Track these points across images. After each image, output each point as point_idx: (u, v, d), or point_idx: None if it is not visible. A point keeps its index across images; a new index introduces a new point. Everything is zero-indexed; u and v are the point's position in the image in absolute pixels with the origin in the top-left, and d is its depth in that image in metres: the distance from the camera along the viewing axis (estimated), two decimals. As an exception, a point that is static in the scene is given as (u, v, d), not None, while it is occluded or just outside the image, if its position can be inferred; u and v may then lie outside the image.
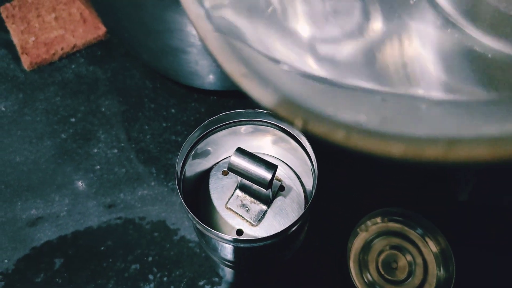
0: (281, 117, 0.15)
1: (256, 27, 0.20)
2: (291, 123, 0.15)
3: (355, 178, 0.43)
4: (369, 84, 0.19)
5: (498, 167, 0.12)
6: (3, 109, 0.47)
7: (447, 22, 0.21)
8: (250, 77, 0.16)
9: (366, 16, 0.22)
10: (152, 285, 0.38)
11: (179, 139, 0.45)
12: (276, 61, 0.18)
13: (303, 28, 0.21)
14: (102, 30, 0.50)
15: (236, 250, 0.29)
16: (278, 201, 0.31)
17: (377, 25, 0.21)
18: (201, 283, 0.38)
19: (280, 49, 0.19)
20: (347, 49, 0.21)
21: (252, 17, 0.20)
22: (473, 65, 0.20)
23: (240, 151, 0.28)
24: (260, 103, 0.16)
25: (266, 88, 0.16)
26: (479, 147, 0.12)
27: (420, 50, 0.21)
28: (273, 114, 0.16)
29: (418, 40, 0.21)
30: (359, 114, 0.15)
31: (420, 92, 0.19)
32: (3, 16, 0.52)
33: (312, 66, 0.19)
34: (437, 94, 0.19)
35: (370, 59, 0.21)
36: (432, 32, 0.21)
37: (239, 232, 0.30)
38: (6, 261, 0.39)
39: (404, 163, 0.13)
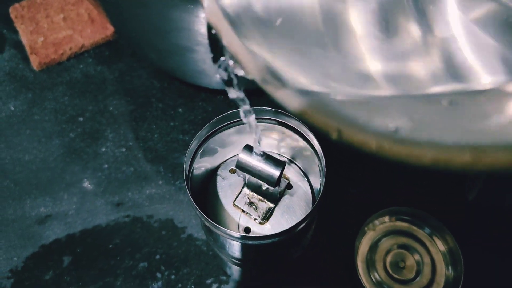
0: (317, 127, 0.16)
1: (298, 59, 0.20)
2: (326, 133, 0.15)
3: (363, 176, 0.43)
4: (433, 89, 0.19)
5: None
6: (12, 108, 0.47)
7: None
8: (288, 90, 0.16)
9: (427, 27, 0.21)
10: (160, 283, 0.38)
11: (186, 138, 0.45)
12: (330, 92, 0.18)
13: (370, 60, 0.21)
14: (110, 30, 0.51)
15: (244, 248, 0.29)
16: (286, 199, 0.31)
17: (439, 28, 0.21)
18: (208, 281, 0.38)
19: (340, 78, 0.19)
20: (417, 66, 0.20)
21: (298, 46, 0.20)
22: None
23: (248, 148, 0.28)
24: (296, 114, 0.16)
25: (303, 100, 0.16)
26: None
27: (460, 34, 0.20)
28: (307, 124, 0.16)
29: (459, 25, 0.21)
30: (390, 121, 0.15)
31: (486, 80, 0.19)
32: (12, 16, 0.52)
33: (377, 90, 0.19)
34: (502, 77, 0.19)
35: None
36: (468, 8, 0.21)
37: (247, 229, 0.30)
38: (15, 258, 0.39)
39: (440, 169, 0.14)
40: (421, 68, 0.20)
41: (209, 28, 0.18)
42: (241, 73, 0.19)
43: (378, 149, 0.15)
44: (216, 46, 0.19)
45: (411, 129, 0.15)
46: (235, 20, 0.18)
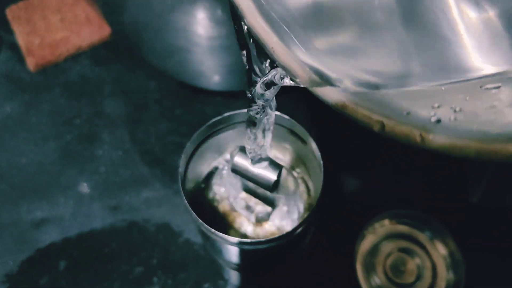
0: (357, 119, 0.15)
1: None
2: (368, 126, 0.15)
3: (362, 179, 0.42)
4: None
5: None
6: (9, 110, 0.47)
7: None
8: (327, 85, 0.16)
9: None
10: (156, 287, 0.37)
11: (184, 141, 0.44)
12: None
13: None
14: (107, 31, 0.50)
15: (241, 252, 0.29)
16: (284, 202, 0.31)
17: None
18: (205, 285, 0.37)
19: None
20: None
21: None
22: None
23: (244, 150, 0.28)
24: (336, 107, 0.15)
25: (345, 94, 0.15)
26: None
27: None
28: (350, 118, 0.15)
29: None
30: (432, 112, 0.15)
31: None
32: (9, 17, 0.52)
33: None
34: None
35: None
36: None
37: (244, 234, 0.30)
38: (10, 262, 0.39)
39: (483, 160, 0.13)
40: (470, 50, 0.19)
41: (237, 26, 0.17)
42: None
43: (422, 141, 0.14)
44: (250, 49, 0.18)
45: (453, 119, 0.15)
46: (268, 13, 0.16)
